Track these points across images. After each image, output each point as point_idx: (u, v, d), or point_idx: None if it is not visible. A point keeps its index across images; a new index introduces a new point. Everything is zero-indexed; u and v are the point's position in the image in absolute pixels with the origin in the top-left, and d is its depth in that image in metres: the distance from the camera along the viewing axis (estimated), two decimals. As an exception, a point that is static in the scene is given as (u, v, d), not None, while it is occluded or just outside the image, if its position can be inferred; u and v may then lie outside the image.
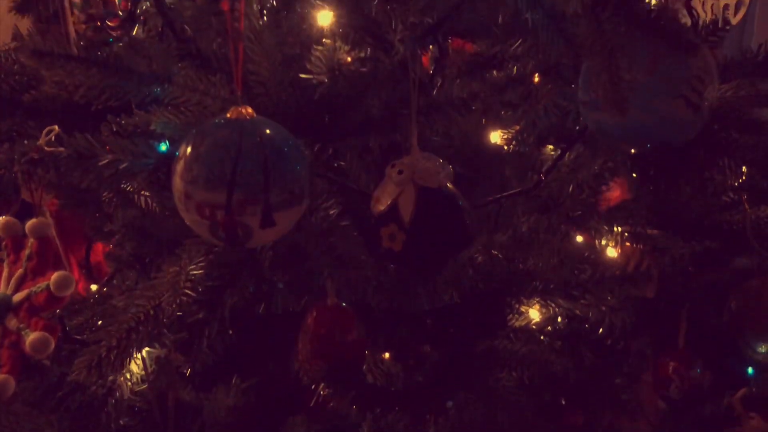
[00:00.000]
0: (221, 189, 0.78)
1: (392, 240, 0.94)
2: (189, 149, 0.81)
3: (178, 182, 0.81)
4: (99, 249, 1.67)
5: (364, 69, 0.88)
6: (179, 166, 0.81)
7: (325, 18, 0.91)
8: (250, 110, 0.83)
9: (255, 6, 0.89)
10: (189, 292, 0.82)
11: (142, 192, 1.02)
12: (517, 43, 1.21)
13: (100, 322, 1.03)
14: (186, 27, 1.02)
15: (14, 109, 1.25)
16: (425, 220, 0.93)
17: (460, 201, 0.96)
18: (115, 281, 1.30)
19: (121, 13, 1.02)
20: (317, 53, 0.88)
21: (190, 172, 0.79)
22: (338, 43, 0.87)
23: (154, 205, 1.03)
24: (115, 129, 1.03)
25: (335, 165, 1.15)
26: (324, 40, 0.88)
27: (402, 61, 0.90)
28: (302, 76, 0.90)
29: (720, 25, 1.31)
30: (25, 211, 1.47)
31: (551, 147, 1.28)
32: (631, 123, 0.84)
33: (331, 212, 0.90)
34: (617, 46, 0.71)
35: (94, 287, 1.44)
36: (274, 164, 0.80)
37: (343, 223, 0.90)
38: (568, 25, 0.85)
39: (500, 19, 1.09)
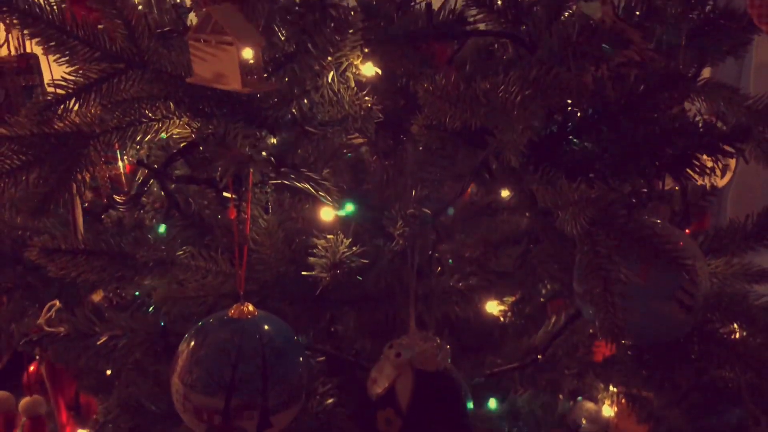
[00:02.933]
0: (220, 395, 0.78)
1: (388, 425, 0.94)
2: (189, 349, 0.81)
3: (176, 383, 0.81)
4: (90, 387, 1.65)
5: (365, 261, 0.90)
6: (178, 366, 0.81)
7: (327, 214, 0.94)
8: (251, 308, 0.84)
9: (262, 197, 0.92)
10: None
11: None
12: (511, 195, 1.24)
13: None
14: (191, 200, 1.05)
15: (15, 263, 1.26)
16: (423, 406, 0.93)
17: (458, 383, 0.96)
18: None
19: (127, 189, 1.05)
20: (320, 247, 0.90)
21: (190, 375, 0.80)
22: (340, 237, 0.90)
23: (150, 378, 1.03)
24: (114, 302, 1.04)
25: (332, 329, 1.16)
26: (327, 236, 0.90)
27: (401, 251, 0.92)
28: (304, 273, 0.92)
29: (708, 189, 1.36)
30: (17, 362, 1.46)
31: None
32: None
33: (328, 401, 0.90)
34: (613, 273, 0.73)
35: (83, 434, 1.41)
36: (273, 367, 0.80)
37: (338, 410, 0.89)
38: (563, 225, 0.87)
39: (494, 166, 1.12)
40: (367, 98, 0.87)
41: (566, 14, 1.20)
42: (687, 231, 1.28)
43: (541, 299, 1.29)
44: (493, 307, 1.13)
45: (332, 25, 0.82)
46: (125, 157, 1.11)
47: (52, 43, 0.86)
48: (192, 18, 1.41)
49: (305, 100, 0.88)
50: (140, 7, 1.23)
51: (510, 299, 1.15)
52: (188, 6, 1.52)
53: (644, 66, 0.81)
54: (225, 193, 0.86)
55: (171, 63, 0.94)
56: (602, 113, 0.83)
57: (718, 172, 1.48)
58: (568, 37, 0.82)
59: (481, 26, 1.33)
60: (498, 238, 1.32)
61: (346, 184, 1.05)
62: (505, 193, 1.12)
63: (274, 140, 1.00)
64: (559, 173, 0.83)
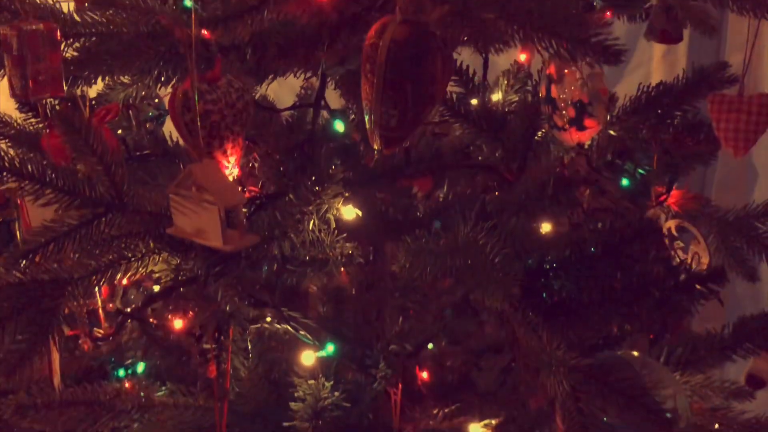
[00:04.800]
0: None
1: None
2: None
3: None
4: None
5: (347, 404, 0.89)
6: None
7: (308, 358, 0.94)
8: (232, 461, 0.83)
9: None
10: None
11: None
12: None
13: None
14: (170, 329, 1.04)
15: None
16: None
17: None
18: None
19: (105, 325, 1.03)
20: (301, 391, 0.89)
21: None
22: (321, 380, 0.89)
23: None
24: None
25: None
26: (309, 381, 0.89)
27: (385, 390, 0.92)
28: (286, 424, 0.91)
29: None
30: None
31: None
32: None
33: None
34: (596, 429, 0.73)
35: None
36: None
37: None
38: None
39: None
40: (348, 244, 0.87)
41: (540, 134, 1.24)
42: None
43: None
44: (476, 429, 1.12)
45: (313, 178, 0.83)
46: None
47: (32, 195, 0.85)
48: (169, 127, 1.42)
49: (286, 243, 0.88)
50: (119, 132, 1.23)
51: (493, 422, 1.14)
52: (165, 107, 1.53)
53: (619, 214, 0.83)
54: (205, 345, 0.86)
55: (151, 202, 0.94)
56: (579, 257, 0.84)
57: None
58: (544, 186, 0.84)
59: (458, 130, 1.37)
60: (480, 345, 1.32)
61: (326, 313, 1.05)
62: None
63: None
64: (539, 316, 0.84)
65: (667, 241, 1.34)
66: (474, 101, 1.27)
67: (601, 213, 0.84)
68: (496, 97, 1.39)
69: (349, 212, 0.90)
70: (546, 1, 0.70)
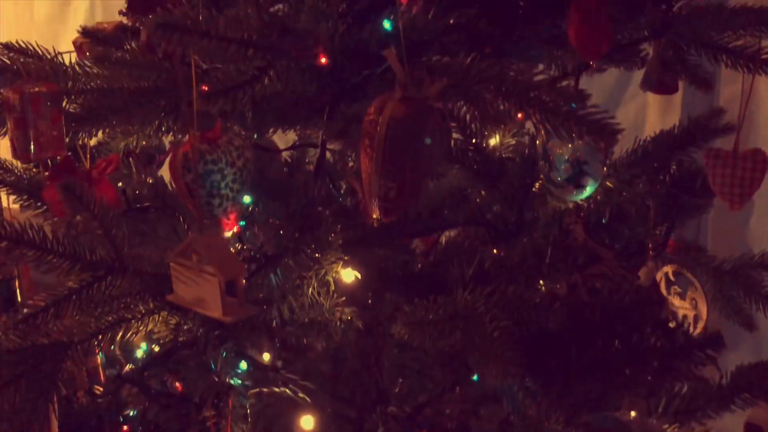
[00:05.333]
0: None
1: None
2: None
3: None
4: None
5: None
6: None
7: (307, 422, 0.94)
8: None
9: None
10: None
11: None
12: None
13: None
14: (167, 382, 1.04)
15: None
16: None
17: None
18: None
19: (104, 381, 1.03)
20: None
21: None
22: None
23: None
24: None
25: None
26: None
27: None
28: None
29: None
30: None
31: None
32: None
33: None
34: None
35: None
36: None
37: None
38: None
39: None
40: (347, 309, 0.88)
41: (538, 185, 1.25)
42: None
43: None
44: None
45: (313, 246, 0.84)
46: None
47: (33, 262, 0.86)
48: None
49: (285, 306, 0.89)
50: (120, 184, 1.24)
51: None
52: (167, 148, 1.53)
53: (616, 282, 0.84)
54: (205, 413, 0.86)
55: (150, 262, 0.94)
56: (577, 325, 0.84)
57: (690, 320, 1.52)
58: (542, 254, 0.84)
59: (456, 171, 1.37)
60: (479, 393, 1.32)
61: (324, 369, 1.05)
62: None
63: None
64: (538, 384, 0.84)
65: (663, 286, 1.35)
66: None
67: (597, 279, 0.84)
68: (494, 141, 1.40)
69: (349, 275, 0.91)
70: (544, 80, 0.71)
